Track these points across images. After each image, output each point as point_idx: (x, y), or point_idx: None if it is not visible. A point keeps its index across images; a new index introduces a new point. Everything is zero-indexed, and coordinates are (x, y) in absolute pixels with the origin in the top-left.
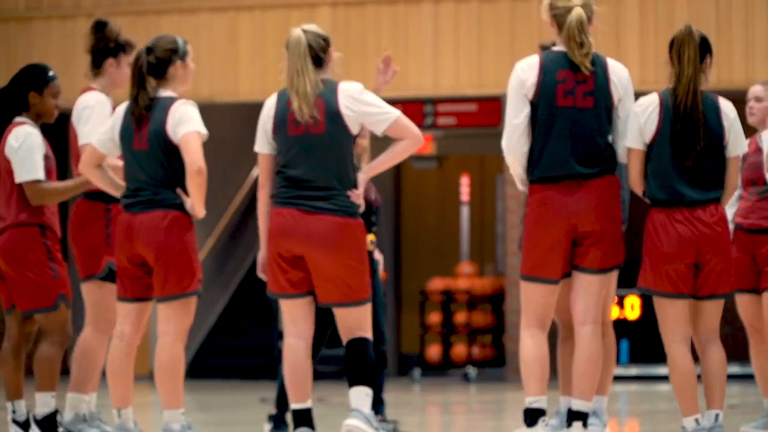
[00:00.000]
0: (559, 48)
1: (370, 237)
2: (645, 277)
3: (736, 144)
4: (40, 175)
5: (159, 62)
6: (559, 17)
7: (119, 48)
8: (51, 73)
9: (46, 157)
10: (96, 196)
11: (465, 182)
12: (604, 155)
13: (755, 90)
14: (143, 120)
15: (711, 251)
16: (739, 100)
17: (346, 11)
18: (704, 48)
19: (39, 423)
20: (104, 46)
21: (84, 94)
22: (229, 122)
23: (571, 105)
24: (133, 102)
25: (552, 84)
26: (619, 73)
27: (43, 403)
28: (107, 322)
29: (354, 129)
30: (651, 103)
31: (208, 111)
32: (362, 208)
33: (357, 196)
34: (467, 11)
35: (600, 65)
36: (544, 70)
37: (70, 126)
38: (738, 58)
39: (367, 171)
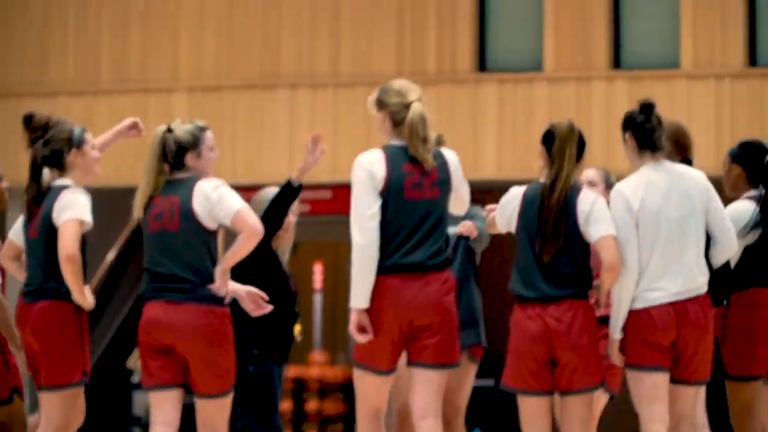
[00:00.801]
0: (397, 142)
1: (297, 328)
2: (504, 375)
3: (597, 227)
4: None
5: (53, 153)
6: (395, 114)
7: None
8: None
9: None
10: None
11: (318, 269)
12: (444, 249)
13: (589, 174)
14: (34, 210)
15: (564, 347)
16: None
17: (202, 96)
18: (582, 145)
19: None
20: (36, 137)
21: None
22: None
23: (419, 197)
24: (26, 192)
25: (400, 177)
26: (454, 161)
27: None
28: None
29: (210, 224)
30: (514, 198)
31: None
32: (227, 299)
33: (216, 288)
34: (323, 97)
35: (438, 155)
36: (392, 164)
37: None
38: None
39: (221, 264)
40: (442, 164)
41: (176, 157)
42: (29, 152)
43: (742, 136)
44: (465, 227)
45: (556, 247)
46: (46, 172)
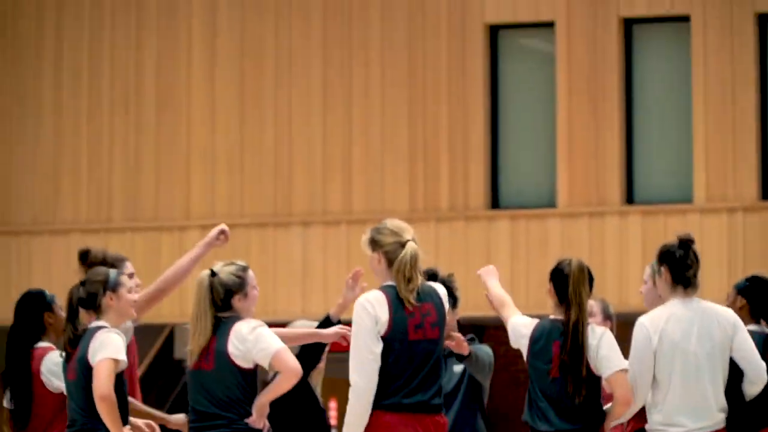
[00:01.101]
0: (394, 282)
1: None
2: None
3: (608, 363)
4: None
5: (89, 296)
6: (390, 253)
7: (112, 267)
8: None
9: None
10: None
11: (333, 406)
12: (441, 388)
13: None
14: (71, 352)
15: None
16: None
17: None
18: (591, 282)
19: None
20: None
21: None
22: None
23: (422, 338)
24: (62, 334)
25: (403, 320)
26: (445, 296)
27: None
28: None
29: (244, 364)
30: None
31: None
32: (265, 431)
33: (253, 422)
34: (336, 235)
35: (433, 293)
36: (394, 307)
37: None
38: (611, 280)
39: (260, 398)
40: (439, 303)
41: (224, 300)
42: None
43: (755, 268)
44: (456, 340)
45: (583, 382)
46: (83, 314)
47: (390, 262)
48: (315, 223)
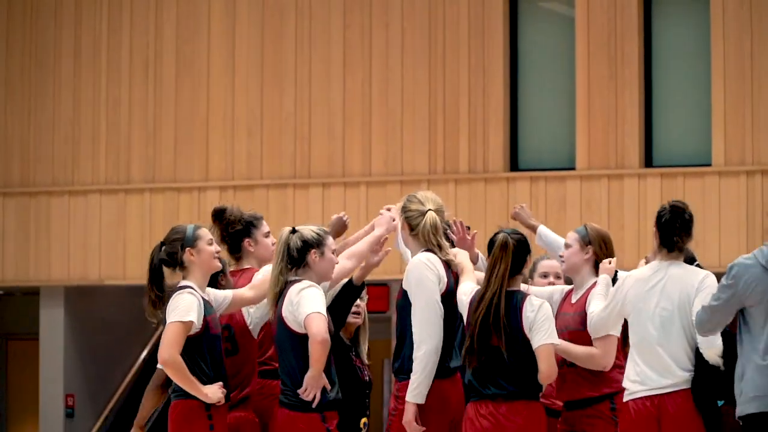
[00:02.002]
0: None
1: (363, 420)
2: None
3: (538, 336)
4: None
5: (169, 255)
6: (411, 219)
7: (250, 225)
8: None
9: None
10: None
11: (388, 366)
12: None
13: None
14: (159, 315)
15: None
16: None
17: (234, 194)
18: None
19: None
20: (234, 230)
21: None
22: (118, 304)
23: (456, 303)
24: (145, 295)
25: (452, 285)
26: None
27: None
28: None
29: (297, 328)
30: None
31: (97, 293)
32: (315, 403)
33: (303, 393)
34: (355, 196)
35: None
36: (447, 268)
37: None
38: (629, 242)
39: (310, 370)
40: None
41: (300, 252)
42: (222, 245)
43: None
44: None
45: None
46: (168, 274)
47: (411, 228)
48: (334, 184)
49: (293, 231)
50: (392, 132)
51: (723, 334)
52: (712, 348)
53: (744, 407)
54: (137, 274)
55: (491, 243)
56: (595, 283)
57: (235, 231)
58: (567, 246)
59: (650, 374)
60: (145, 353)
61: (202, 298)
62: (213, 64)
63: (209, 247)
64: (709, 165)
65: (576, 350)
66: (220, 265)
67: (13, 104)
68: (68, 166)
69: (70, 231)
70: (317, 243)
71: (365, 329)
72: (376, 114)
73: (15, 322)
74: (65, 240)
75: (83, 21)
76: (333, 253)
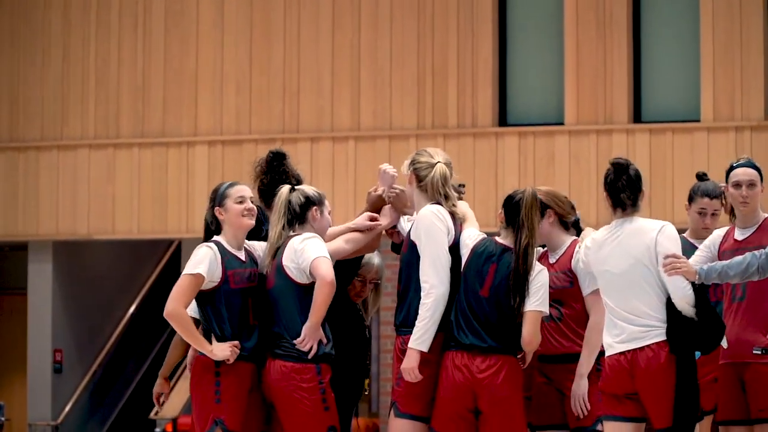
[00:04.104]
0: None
1: (367, 381)
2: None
3: (529, 300)
4: None
5: (210, 213)
6: (419, 170)
7: (298, 184)
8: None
9: None
10: None
11: None
12: None
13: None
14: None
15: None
16: None
17: (222, 149)
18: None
19: None
20: (283, 179)
21: None
22: (107, 259)
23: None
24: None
25: (458, 238)
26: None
27: None
28: None
29: (300, 278)
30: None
31: (86, 248)
32: (312, 354)
33: (300, 343)
34: (344, 150)
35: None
36: (455, 221)
37: None
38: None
39: (309, 319)
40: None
41: (302, 208)
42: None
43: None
44: None
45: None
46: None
47: (420, 180)
48: (323, 139)
49: (292, 189)
50: (381, 87)
51: (694, 286)
52: (684, 298)
53: None
54: (125, 228)
55: (510, 198)
56: (574, 240)
57: (282, 181)
58: None
59: (620, 331)
60: (133, 308)
61: (230, 252)
62: (202, 20)
63: (237, 205)
64: (698, 121)
65: (592, 342)
66: (251, 222)
67: (2, 60)
68: (57, 121)
69: (58, 185)
70: (318, 201)
71: (379, 295)
72: (365, 68)
73: (3, 276)
74: (54, 194)
75: None
76: (329, 214)
